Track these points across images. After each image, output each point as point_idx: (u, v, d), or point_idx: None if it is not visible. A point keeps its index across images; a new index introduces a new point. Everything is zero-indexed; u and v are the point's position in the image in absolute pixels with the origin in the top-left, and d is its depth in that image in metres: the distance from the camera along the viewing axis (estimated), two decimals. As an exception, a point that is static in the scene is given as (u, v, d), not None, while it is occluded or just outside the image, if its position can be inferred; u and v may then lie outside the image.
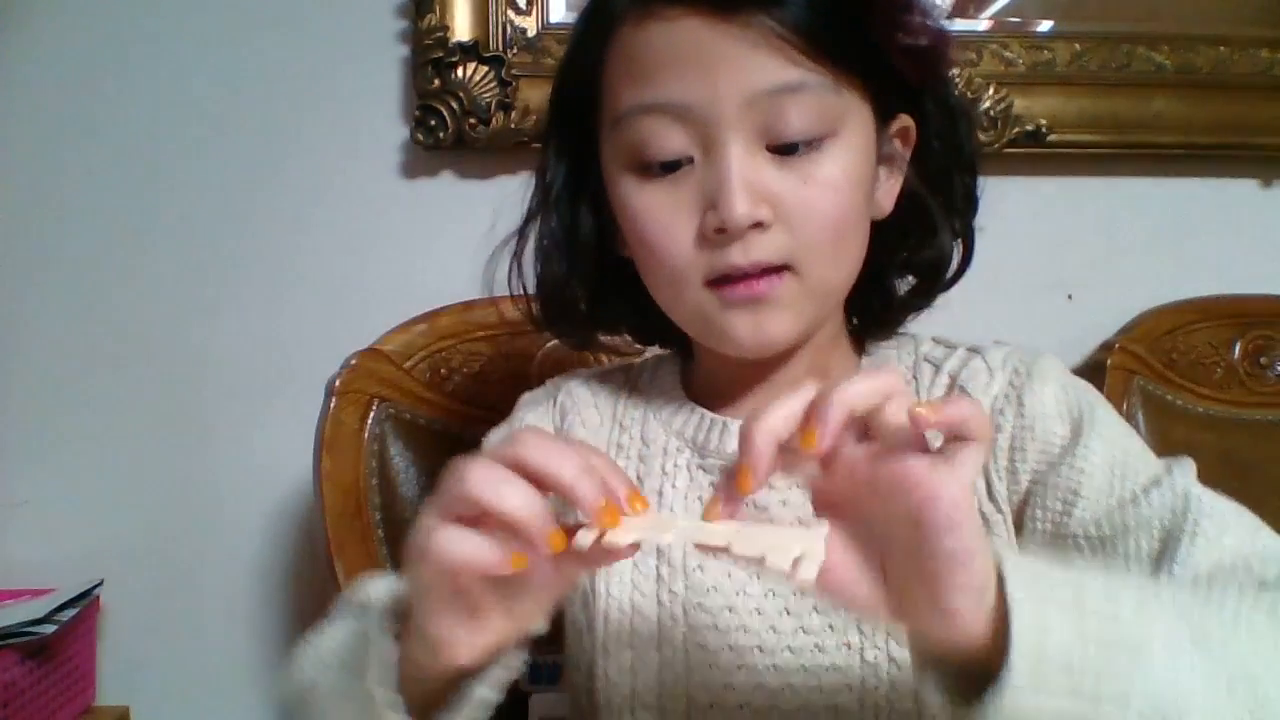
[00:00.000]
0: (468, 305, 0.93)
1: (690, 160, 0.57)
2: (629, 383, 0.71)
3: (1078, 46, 1.06)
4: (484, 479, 0.42)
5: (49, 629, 0.89)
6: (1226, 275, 1.08)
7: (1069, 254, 1.10)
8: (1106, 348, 1.04)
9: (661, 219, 0.58)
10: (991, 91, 1.04)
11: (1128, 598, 0.42)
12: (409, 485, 0.89)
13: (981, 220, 0.63)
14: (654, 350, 0.73)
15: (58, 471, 1.05)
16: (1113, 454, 0.58)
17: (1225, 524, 0.53)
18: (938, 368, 0.64)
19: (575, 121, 0.63)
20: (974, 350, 0.65)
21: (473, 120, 1.01)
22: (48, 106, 1.04)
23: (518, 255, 0.68)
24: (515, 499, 0.41)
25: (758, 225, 0.56)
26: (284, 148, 1.05)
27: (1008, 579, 0.39)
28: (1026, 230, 1.09)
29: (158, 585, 1.05)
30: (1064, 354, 1.07)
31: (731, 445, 0.62)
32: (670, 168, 0.57)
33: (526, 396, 0.72)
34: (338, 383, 0.87)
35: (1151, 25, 1.07)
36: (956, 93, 0.67)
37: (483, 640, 0.45)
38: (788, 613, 0.60)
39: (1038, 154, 1.06)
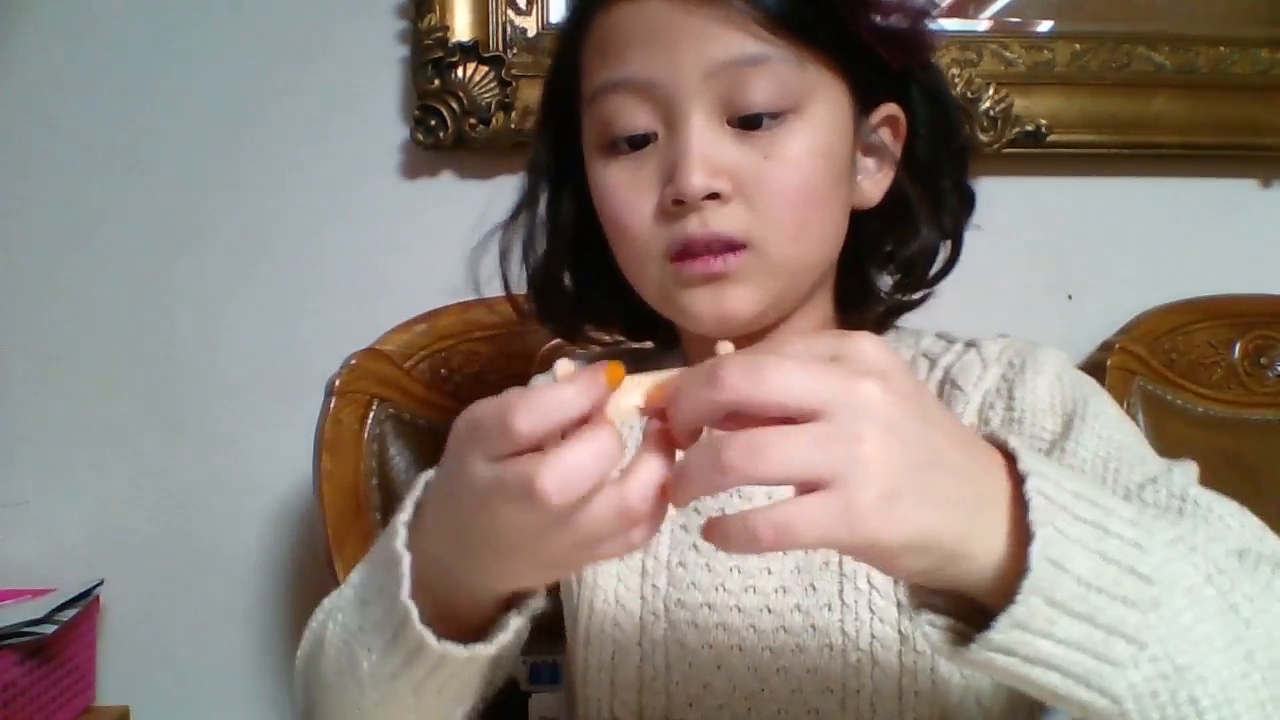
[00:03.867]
0: (467, 305, 0.93)
1: (655, 136, 0.58)
2: (636, 364, 0.70)
3: (1078, 46, 1.06)
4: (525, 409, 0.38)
5: (49, 629, 0.89)
6: (1226, 275, 1.08)
7: (1069, 254, 1.10)
8: (1106, 348, 1.04)
9: (624, 194, 0.59)
10: (991, 91, 1.04)
11: (1158, 530, 0.40)
12: (409, 485, 0.88)
13: (981, 220, 0.63)
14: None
15: (58, 471, 1.05)
16: (1106, 449, 0.56)
17: (1226, 527, 0.51)
18: (934, 363, 0.64)
19: (562, 109, 0.64)
20: (971, 344, 0.64)
21: (473, 120, 1.01)
22: (46, 107, 1.04)
23: (505, 248, 0.69)
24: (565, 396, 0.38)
25: (715, 197, 0.56)
26: (283, 148, 1.05)
27: (1030, 496, 0.37)
28: (1026, 230, 1.09)
29: (158, 585, 1.05)
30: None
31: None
32: (636, 144, 0.58)
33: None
34: (338, 383, 0.87)
35: (1151, 25, 1.07)
36: (947, 83, 0.66)
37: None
38: (768, 610, 0.59)
39: (1038, 154, 1.06)
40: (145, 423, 1.05)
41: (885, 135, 0.62)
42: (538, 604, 0.49)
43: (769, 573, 0.60)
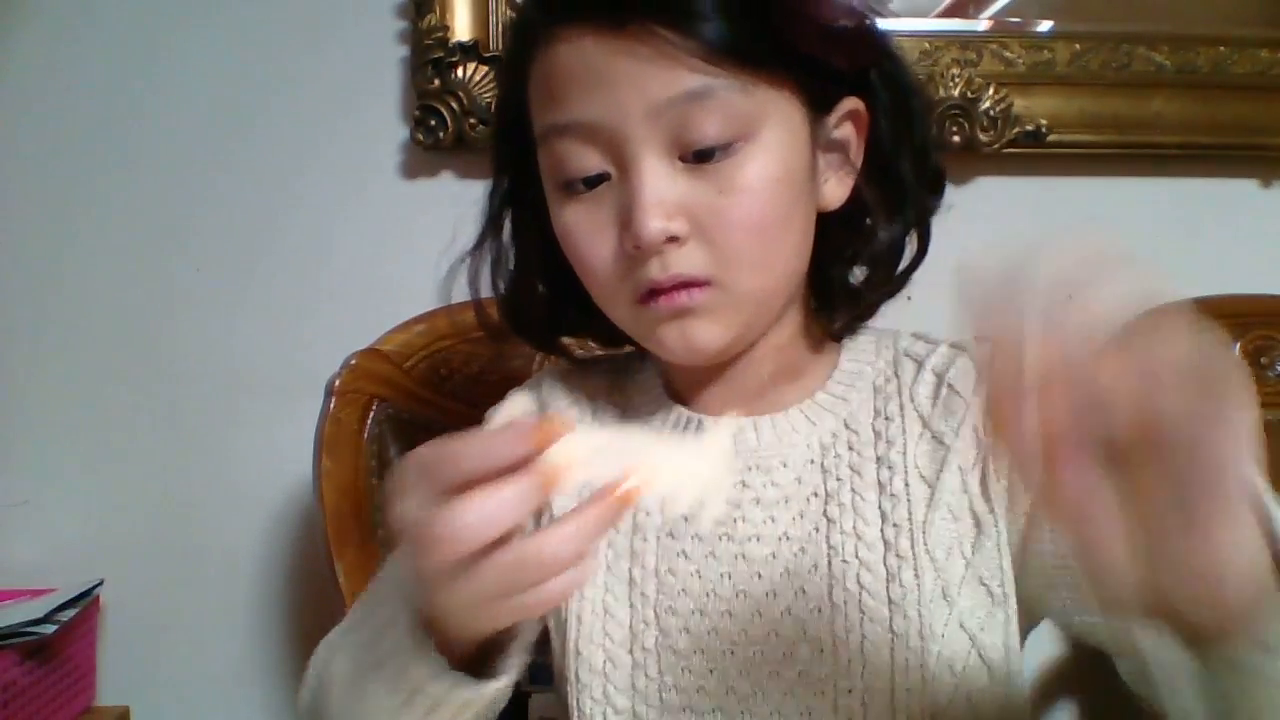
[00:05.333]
0: (467, 305, 0.93)
1: (608, 177, 0.57)
2: (612, 377, 0.70)
3: (1078, 46, 1.06)
4: (457, 453, 0.41)
5: (49, 629, 0.89)
6: (1226, 275, 1.07)
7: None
8: (1106, 348, 1.04)
9: (585, 238, 0.58)
10: (991, 91, 1.04)
11: None
12: (409, 485, 0.89)
13: (982, 220, 0.63)
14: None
15: (58, 471, 1.05)
16: None
17: None
18: (920, 363, 0.63)
19: (515, 138, 0.63)
20: (957, 346, 0.63)
21: (473, 120, 1.01)
22: (44, 107, 1.04)
23: (475, 267, 0.68)
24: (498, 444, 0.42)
25: (673, 240, 0.55)
26: (283, 148, 1.05)
27: None
28: (1026, 230, 1.09)
29: (158, 585, 1.05)
30: (1064, 354, 1.08)
31: (706, 440, 0.62)
32: (592, 183, 0.57)
33: (513, 396, 0.72)
34: (337, 383, 0.87)
35: (1151, 25, 1.07)
36: (908, 69, 0.64)
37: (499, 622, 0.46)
38: (759, 615, 0.59)
39: (1038, 154, 1.06)
40: (145, 423, 1.05)
41: (847, 130, 0.61)
42: (528, 638, 0.50)
43: (759, 577, 0.60)
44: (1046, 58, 1.06)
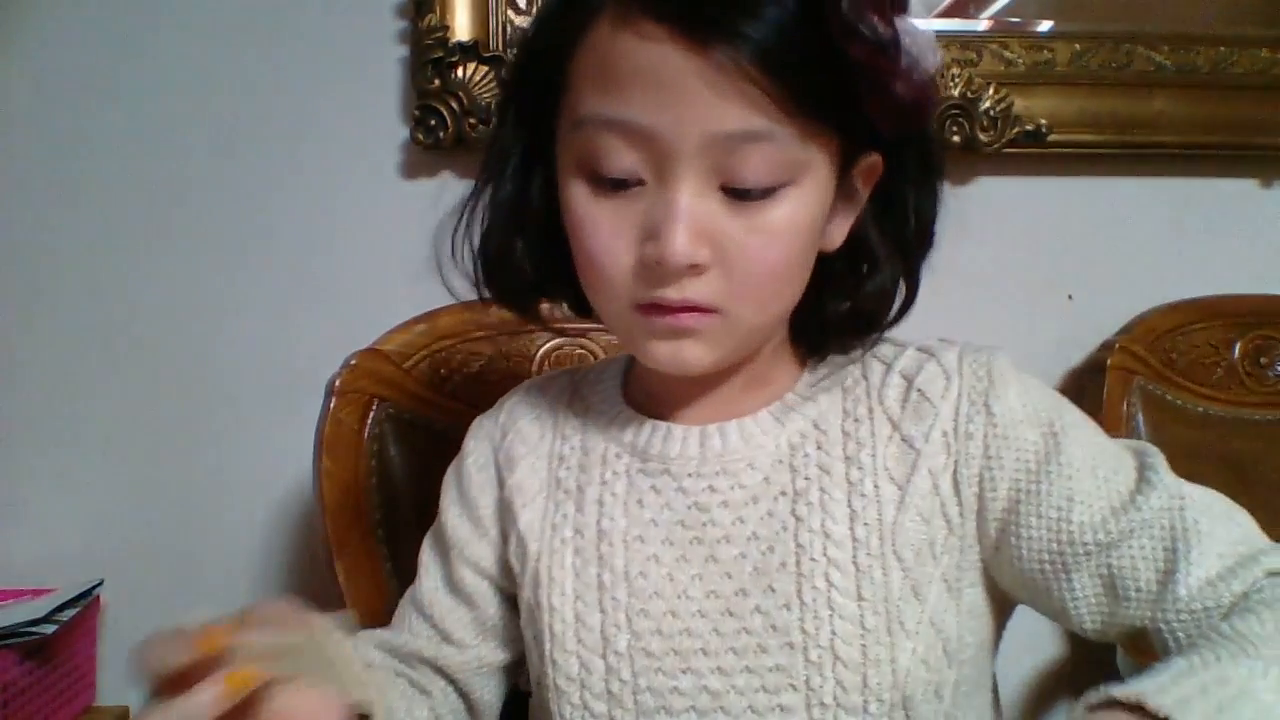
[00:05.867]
0: (467, 305, 0.93)
1: (641, 182, 0.56)
2: (572, 389, 0.71)
3: (1078, 46, 1.06)
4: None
5: (49, 629, 0.89)
6: (1226, 275, 1.08)
7: (1069, 254, 1.10)
8: (1106, 348, 1.04)
9: (603, 237, 0.57)
10: (991, 91, 1.04)
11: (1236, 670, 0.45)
12: (409, 485, 0.89)
13: (981, 220, 0.63)
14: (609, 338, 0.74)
15: (58, 471, 1.05)
16: (1091, 455, 0.58)
17: (1214, 515, 0.56)
18: (888, 366, 0.63)
19: (537, 95, 0.61)
20: (924, 350, 0.63)
21: (473, 120, 1.01)
22: (45, 107, 1.04)
23: (457, 229, 0.68)
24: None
25: (695, 267, 0.55)
26: (284, 148, 1.05)
27: None
28: (1026, 230, 1.09)
29: (158, 585, 1.05)
30: (1064, 354, 1.09)
31: (674, 450, 0.63)
32: (620, 185, 0.56)
33: (475, 423, 0.72)
34: (338, 383, 0.87)
35: (1151, 25, 1.08)
36: (936, 136, 0.64)
37: None
38: (730, 614, 0.59)
39: (1038, 154, 1.06)
40: (145, 423, 1.05)
41: (858, 181, 0.61)
42: None
43: (729, 577, 0.60)
44: (1046, 58, 1.06)
